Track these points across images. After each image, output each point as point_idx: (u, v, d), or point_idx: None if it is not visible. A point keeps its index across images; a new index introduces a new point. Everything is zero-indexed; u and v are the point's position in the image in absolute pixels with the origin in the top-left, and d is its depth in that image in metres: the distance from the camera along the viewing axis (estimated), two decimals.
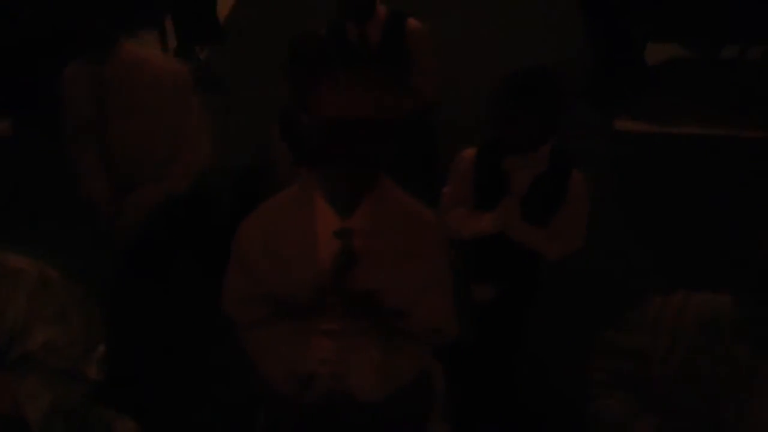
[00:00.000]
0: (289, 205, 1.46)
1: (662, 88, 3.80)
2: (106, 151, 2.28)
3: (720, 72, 3.96)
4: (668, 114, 3.62)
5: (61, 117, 2.31)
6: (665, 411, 1.35)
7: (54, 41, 2.65)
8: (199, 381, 2.29)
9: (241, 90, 3.78)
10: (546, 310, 2.19)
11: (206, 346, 2.36)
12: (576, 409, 1.56)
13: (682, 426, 1.32)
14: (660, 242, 2.84)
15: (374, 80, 1.32)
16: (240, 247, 1.48)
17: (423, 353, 1.56)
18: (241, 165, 2.48)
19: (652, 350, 1.36)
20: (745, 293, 1.29)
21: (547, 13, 4.67)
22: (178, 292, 2.58)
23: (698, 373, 1.31)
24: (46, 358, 1.47)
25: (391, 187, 1.48)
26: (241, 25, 4.55)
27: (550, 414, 2.21)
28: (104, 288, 2.38)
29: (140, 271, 2.57)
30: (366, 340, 1.44)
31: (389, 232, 1.42)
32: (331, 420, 1.46)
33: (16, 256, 1.48)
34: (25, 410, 1.43)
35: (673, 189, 3.15)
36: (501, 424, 2.18)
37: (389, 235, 1.41)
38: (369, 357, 1.44)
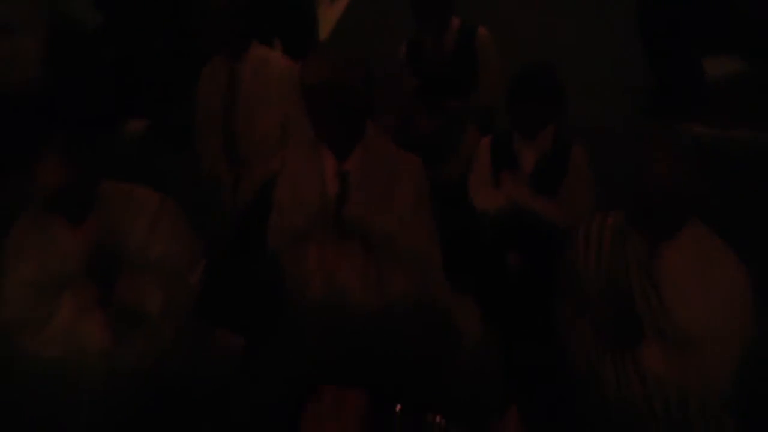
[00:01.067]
0: (306, 154, 1.88)
1: (722, 103, 3.76)
2: (229, 135, 2.68)
3: None
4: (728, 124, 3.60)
5: (194, 106, 2.75)
6: (596, 313, 1.69)
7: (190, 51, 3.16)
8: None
9: None
10: None
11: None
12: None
13: (608, 322, 1.64)
14: None
15: (334, 56, 1.69)
16: (275, 191, 1.93)
17: (422, 278, 1.83)
18: None
19: (584, 264, 1.71)
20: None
21: (609, 31, 4.83)
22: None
23: (616, 275, 1.64)
24: (162, 265, 1.81)
25: (378, 135, 1.85)
26: (339, 43, 5.10)
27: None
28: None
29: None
30: (352, 250, 1.79)
31: (376, 171, 1.80)
32: (333, 325, 1.81)
33: (142, 187, 1.90)
34: (146, 304, 1.77)
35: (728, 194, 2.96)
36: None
37: (376, 173, 1.80)
38: (354, 263, 1.79)
